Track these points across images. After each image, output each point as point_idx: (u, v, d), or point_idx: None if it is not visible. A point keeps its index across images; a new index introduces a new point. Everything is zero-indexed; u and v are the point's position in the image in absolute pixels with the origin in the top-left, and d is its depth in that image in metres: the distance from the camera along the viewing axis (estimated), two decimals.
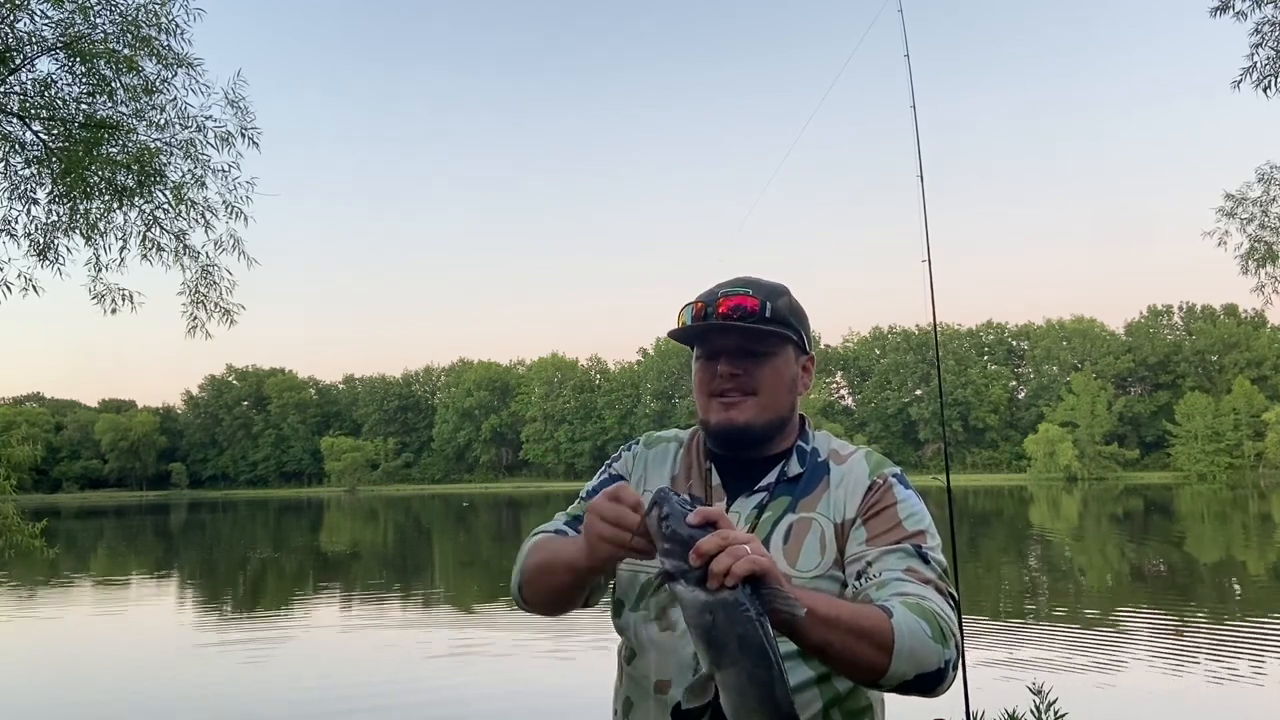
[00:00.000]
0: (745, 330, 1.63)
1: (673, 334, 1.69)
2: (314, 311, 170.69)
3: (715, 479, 1.69)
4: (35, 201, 9.23)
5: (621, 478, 1.79)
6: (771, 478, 1.65)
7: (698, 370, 1.71)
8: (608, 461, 1.86)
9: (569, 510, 1.81)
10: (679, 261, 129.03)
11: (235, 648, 13.25)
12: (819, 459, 1.68)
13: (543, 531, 1.76)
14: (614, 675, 1.75)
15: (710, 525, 1.26)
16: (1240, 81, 9.85)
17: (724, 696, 1.23)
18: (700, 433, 1.77)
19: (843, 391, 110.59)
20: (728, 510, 1.63)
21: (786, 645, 1.31)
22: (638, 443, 1.85)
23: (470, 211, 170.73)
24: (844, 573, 1.55)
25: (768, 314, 1.64)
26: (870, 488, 1.61)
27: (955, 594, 1.52)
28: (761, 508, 1.62)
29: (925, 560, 1.50)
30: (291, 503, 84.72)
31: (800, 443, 1.70)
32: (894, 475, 1.64)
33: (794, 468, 1.66)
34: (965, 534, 28.85)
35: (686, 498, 1.33)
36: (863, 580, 1.49)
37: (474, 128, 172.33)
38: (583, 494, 1.82)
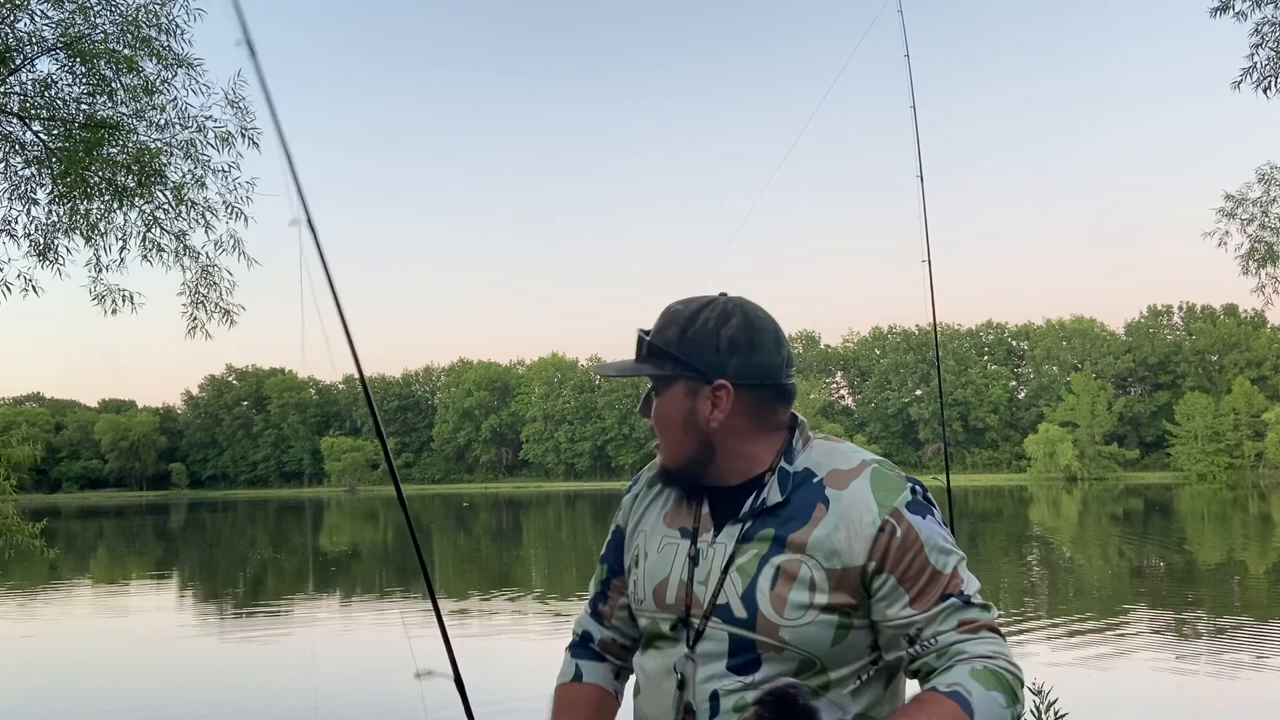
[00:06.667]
0: (631, 375, 1.58)
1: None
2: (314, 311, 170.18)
3: (705, 509, 1.60)
4: (35, 202, 9.22)
5: (622, 531, 1.74)
6: (746, 506, 1.54)
7: None
8: (616, 511, 1.79)
9: (593, 584, 1.78)
10: (680, 261, 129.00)
11: (234, 647, 13.27)
12: (813, 479, 1.51)
13: (567, 676, 1.84)
14: (629, 699, 1.75)
15: None
16: (1240, 82, 9.87)
17: None
18: None
19: (843, 391, 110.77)
20: (714, 540, 1.55)
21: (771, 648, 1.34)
22: (638, 481, 1.75)
23: (470, 211, 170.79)
24: (836, 615, 1.47)
25: (644, 352, 1.56)
26: (881, 530, 1.44)
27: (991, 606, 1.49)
28: (744, 538, 1.52)
29: (969, 604, 1.44)
30: (291, 503, 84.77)
31: (784, 464, 1.53)
32: (906, 505, 1.46)
33: (773, 495, 1.51)
34: (965, 534, 28.85)
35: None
36: (917, 646, 1.44)
37: (475, 127, 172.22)
38: (599, 559, 1.78)
